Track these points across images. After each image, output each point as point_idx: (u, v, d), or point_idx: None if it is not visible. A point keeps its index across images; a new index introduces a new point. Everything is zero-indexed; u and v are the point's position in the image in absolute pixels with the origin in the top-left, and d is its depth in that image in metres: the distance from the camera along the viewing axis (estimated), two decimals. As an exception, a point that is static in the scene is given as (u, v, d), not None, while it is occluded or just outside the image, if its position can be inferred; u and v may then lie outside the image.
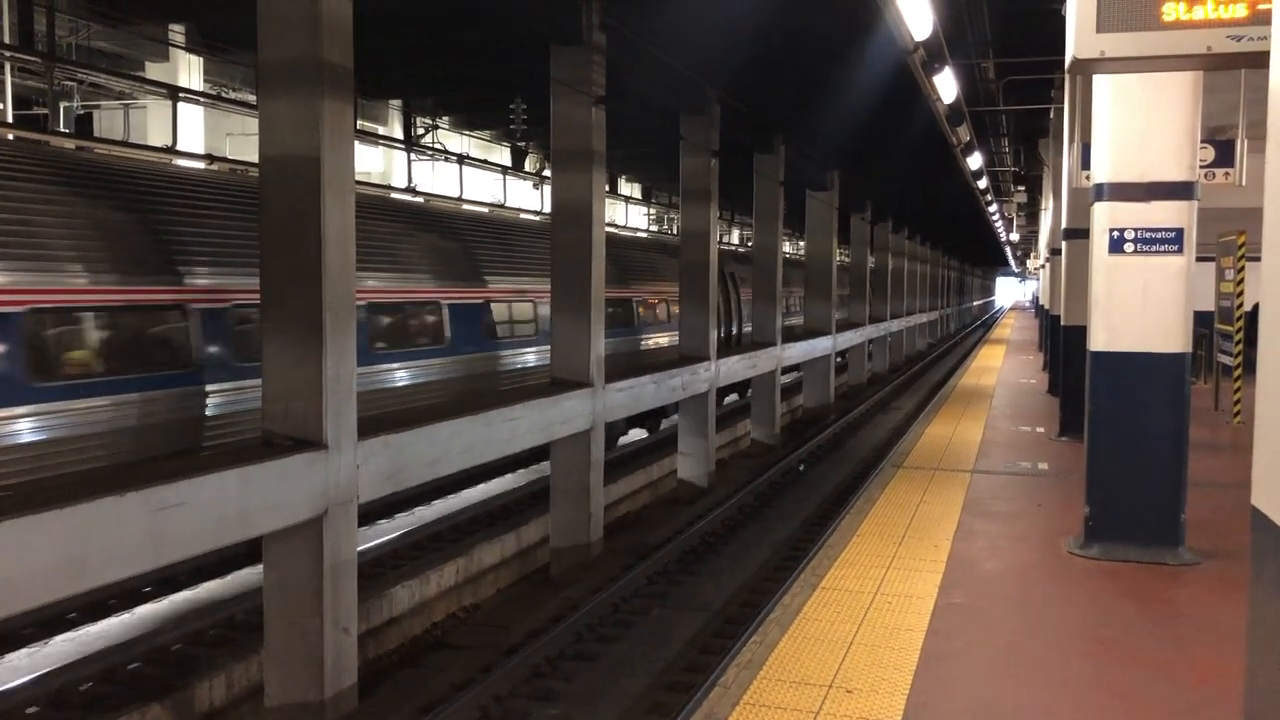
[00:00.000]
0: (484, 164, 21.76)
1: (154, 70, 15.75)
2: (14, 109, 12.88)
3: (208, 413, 8.39)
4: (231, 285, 8.74)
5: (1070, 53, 3.89)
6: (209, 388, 8.42)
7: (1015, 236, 51.44)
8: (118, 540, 5.64)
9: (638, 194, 33.09)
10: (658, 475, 15.48)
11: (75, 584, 5.53)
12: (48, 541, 5.27)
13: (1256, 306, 2.58)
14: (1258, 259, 2.48)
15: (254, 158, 7.56)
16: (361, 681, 7.59)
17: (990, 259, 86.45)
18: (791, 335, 21.98)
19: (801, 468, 17.31)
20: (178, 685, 7.26)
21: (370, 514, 11.66)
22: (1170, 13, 3.69)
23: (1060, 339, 15.57)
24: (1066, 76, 10.58)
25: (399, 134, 19.80)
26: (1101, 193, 7.73)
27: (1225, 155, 11.69)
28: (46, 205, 7.56)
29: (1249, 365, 14.24)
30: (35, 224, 7.41)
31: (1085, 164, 10.07)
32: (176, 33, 14.20)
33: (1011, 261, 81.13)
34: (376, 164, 21.64)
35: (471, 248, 12.94)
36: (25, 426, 6.97)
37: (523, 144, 22.10)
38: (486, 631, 9.53)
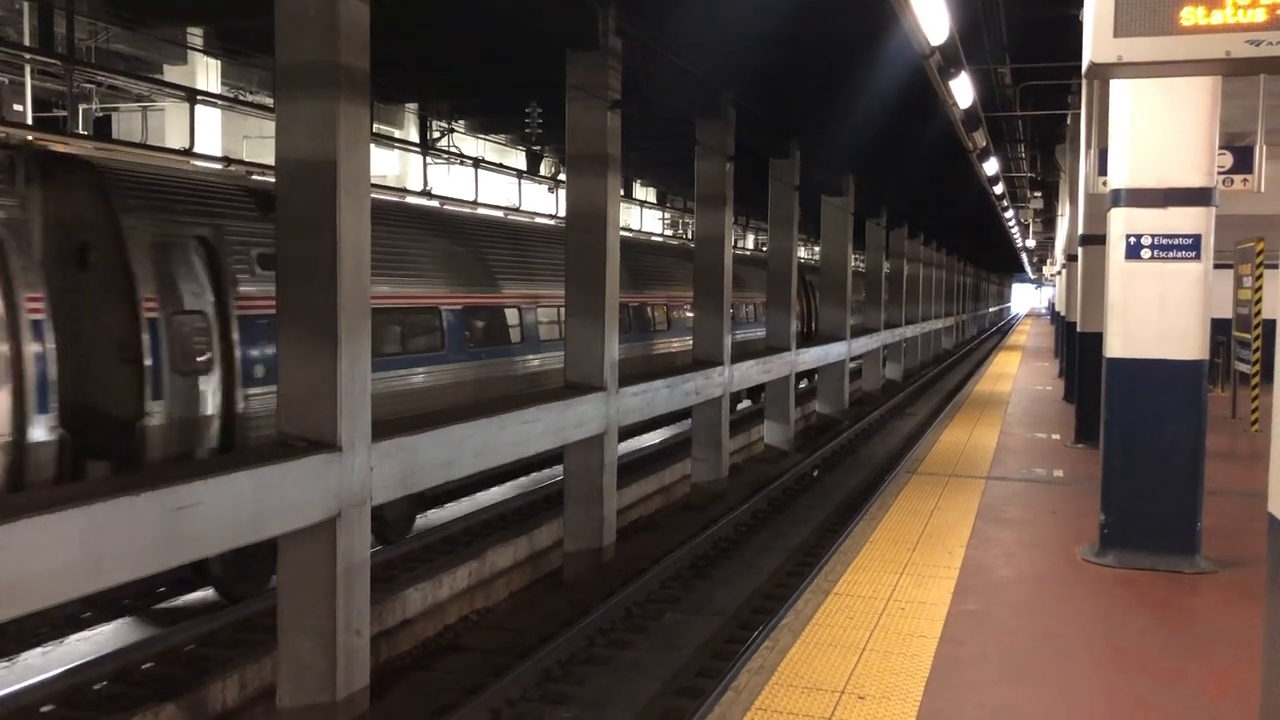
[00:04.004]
0: (499, 168, 21.82)
1: (172, 73, 15.84)
2: (33, 111, 12.97)
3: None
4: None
5: (1087, 57, 3.86)
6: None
7: (1031, 243, 51.20)
8: (133, 540, 5.67)
9: (653, 198, 33.10)
10: (670, 480, 15.46)
11: (91, 583, 5.55)
12: (64, 540, 5.29)
13: None
14: (1276, 266, 2.47)
15: (270, 160, 7.59)
16: (374, 684, 7.60)
17: (1006, 265, 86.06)
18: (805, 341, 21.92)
19: (815, 473, 17.27)
20: (191, 685, 7.29)
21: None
22: (1189, 17, 3.66)
23: (1076, 345, 15.49)
24: (1084, 81, 10.54)
25: (415, 137, 19.86)
26: (1118, 198, 7.68)
27: (1244, 161, 11.58)
28: None
29: (1267, 373, 14.14)
30: None
31: (1102, 170, 10.02)
32: (194, 36, 14.28)
33: (1027, 268, 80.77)
34: (392, 167, 21.72)
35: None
36: None
37: (538, 148, 22.14)
38: (499, 634, 9.54)
